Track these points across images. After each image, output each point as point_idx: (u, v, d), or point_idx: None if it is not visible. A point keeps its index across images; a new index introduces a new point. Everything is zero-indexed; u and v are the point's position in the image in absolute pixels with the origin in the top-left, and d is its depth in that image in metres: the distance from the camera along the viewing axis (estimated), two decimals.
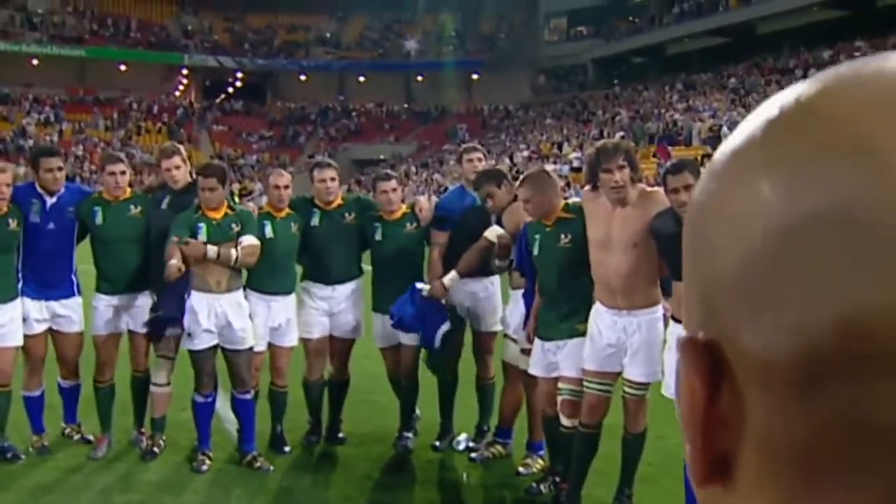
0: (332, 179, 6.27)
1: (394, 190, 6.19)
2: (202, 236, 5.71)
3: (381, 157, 47.20)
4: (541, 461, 5.80)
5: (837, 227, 0.38)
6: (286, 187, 6.17)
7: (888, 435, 0.37)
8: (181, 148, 6.36)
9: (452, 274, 5.72)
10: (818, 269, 0.38)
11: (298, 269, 6.42)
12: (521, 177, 5.39)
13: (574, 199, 5.55)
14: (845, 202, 0.38)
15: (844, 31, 34.63)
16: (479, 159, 6.24)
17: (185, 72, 55.10)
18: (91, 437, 6.25)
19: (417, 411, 6.34)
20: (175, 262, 5.48)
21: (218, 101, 55.54)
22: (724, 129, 28.94)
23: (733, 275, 0.42)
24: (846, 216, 0.38)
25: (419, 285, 5.84)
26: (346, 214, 6.26)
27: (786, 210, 0.40)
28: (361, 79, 56.06)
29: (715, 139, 28.33)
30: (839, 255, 0.38)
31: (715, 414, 0.43)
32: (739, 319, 0.41)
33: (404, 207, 6.26)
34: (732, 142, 0.44)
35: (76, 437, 6.32)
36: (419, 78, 56.44)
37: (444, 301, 5.82)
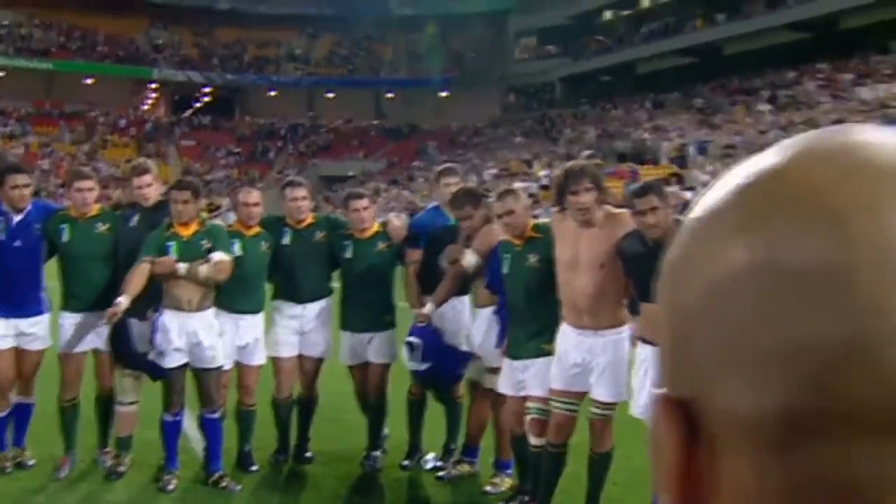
0: (304, 198, 6.29)
1: (366, 208, 6.22)
2: (172, 254, 5.70)
3: (351, 173, 47.11)
4: (508, 480, 5.83)
5: (810, 292, 0.39)
6: (256, 205, 6.18)
7: (865, 494, 0.38)
8: (152, 165, 6.33)
9: (430, 306, 5.74)
10: (791, 331, 0.39)
11: (269, 288, 6.42)
12: (502, 191, 5.49)
13: (543, 220, 5.63)
14: (818, 267, 0.39)
15: (808, 53, 35.19)
16: (456, 183, 6.28)
17: (153, 86, 54.76)
18: (31, 462, 6.09)
19: (386, 430, 6.35)
20: (122, 300, 5.44)
21: (186, 115, 55.24)
22: (691, 148, 29.24)
23: (707, 334, 0.43)
24: (818, 281, 0.39)
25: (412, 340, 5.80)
26: (317, 233, 6.28)
27: (759, 274, 0.41)
28: (331, 95, 56.04)
29: (682, 158, 28.62)
30: (812, 319, 0.39)
31: (689, 469, 0.43)
32: (714, 379, 0.42)
33: (376, 226, 6.28)
34: (708, 203, 0.45)
35: (10, 464, 6.00)
36: (389, 95, 56.54)
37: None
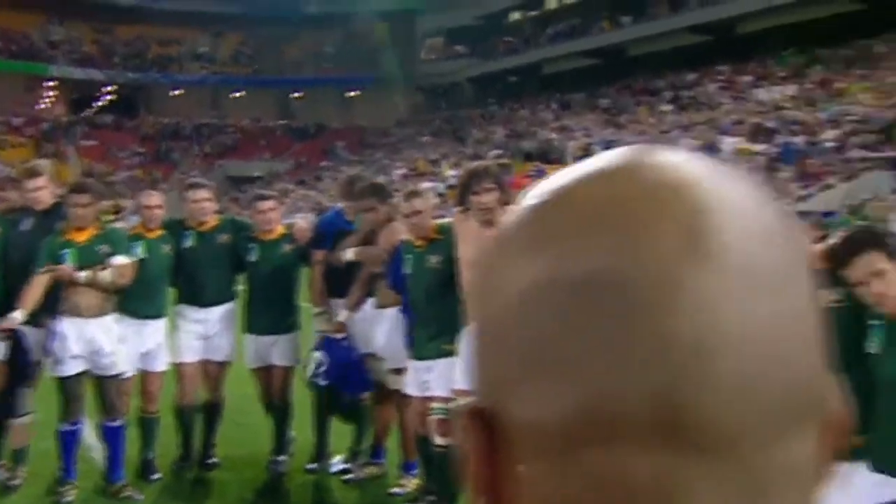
0: (207, 200, 6.20)
1: (271, 209, 6.16)
2: (69, 262, 5.53)
3: (258, 174, 46.51)
4: (415, 481, 5.84)
5: (596, 304, 0.42)
6: (157, 207, 6.06)
7: (638, 496, 0.41)
8: (46, 167, 6.14)
9: (344, 313, 5.75)
10: (579, 341, 0.42)
11: (172, 292, 6.30)
12: (409, 191, 5.51)
13: (445, 220, 5.66)
14: (604, 279, 0.42)
15: (708, 56, 36.19)
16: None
17: (50, 84, 53.04)
18: None
19: (292, 432, 6.29)
20: (17, 315, 5.30)
21: (87, 114, 53.68)
22: (597, 147, 29.73)
23: (507, 345, 0.45)
24: (603, 293, 0.42)
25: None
26: (221, 235, 6.18)
27: (553, 286, 0.43)
28: (237, 94, 55.22)
29: (587, 157, 29.04)
30: (597, 329, 0.41)
31: (492, 476, 0.45)
32: (512, 388, 0.44)
33: (281, 228, 6.22)
34: (512, 219, 0.48)
35: None
36: (296, 94, 55.99)
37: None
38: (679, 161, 0.45)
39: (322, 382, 5.77)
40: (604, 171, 0.46)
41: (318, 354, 5.76)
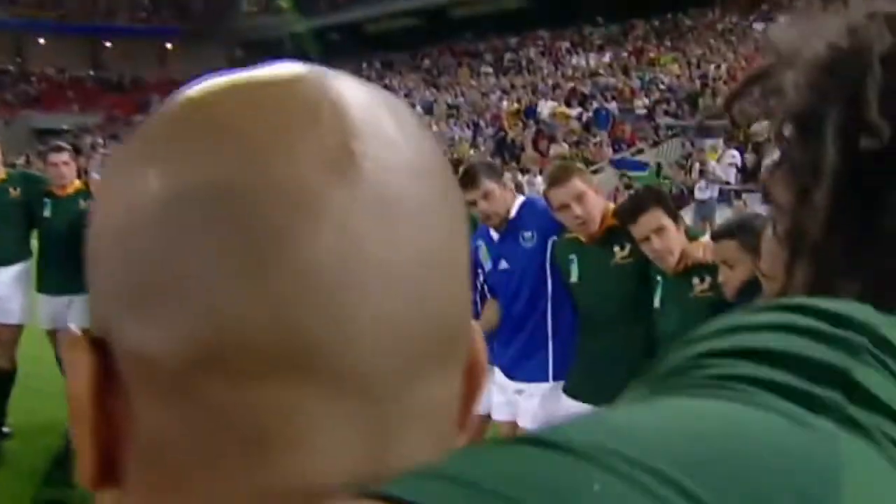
0: None
1: (65, 163, 5.83)
2: None
3: (65, 127, 44.10)
4: None
5: (215, 219, 0.38)
6: None
7: (269, 436, 0.38)
8: None
9: None
10: (193, 262, 0.38)
11: None
12: None
13: None
14: (222, 193, 0.38)
15: (530, 20, 37.00)
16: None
17: None
18: None
19: None
20: None
21: None
22: (418, 108, 29.89)
23: (116, 269, 0.41)
24: (221, 207, 0.38)
25: None
26: (10, 189, 5.80)
27: (165, 203, 0.39)
28: (42, 41, 51.97)
29: None
30: (213, 248, 0.37)
31: (102, 415, 0.41)
32: (123, 315, 0.40)
33: (78, 183, 5.90)
34: (130, 136, 0.44)
35: None
36: (108, 44, 53.29)
37: None
38: (334, 83, 0.42)
39: None
40: (251, 82, 0.42)
41: None
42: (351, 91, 0.42)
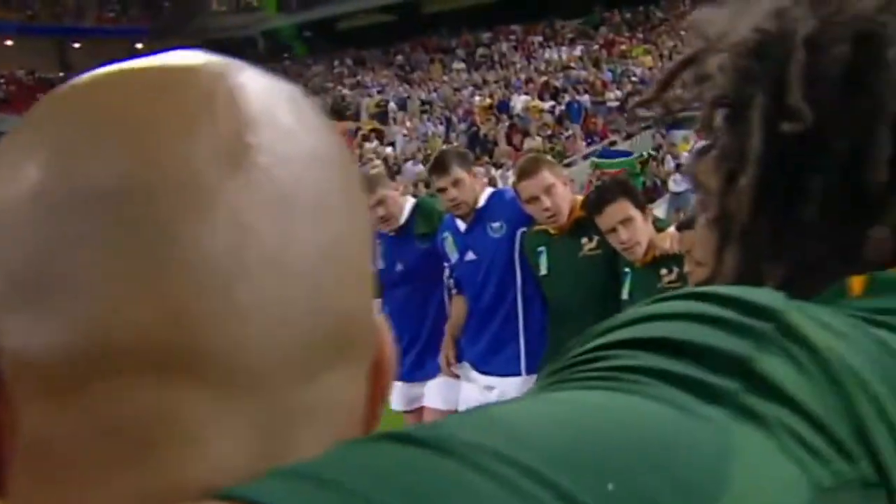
0: None
1: None
2: None
3: None
4: None
5: (103, 214, 0.36)
6: None
7: (140, 441, 0.36)
8: None
9: None
10: (79, 258, 0.36)
11: None
12: None
13: None
14: (115, 186, 0.36)
15: (502, 16, 37.02)
16: None
17: None
18: None
19: None
20: None
21: None
22: (392, 104, 29.84)
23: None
24: (112, 202, 0.36)
25: None
26: None
27: (50, 196, 0.37)
28: (9, 42, 51.43)
29: (383, 114, 29.16)
30: (102, 245, 0.36)
31: None
32: (6, 316, 0.38)
33: None
34: (21, 123, 0.41)
35: None
36: (76, 45, 52.82)
37: None
38: (232, 73, 0.41)
39: None
40: (145, 71, 0.41)
41: None
42: (248, 82, 0.41)
